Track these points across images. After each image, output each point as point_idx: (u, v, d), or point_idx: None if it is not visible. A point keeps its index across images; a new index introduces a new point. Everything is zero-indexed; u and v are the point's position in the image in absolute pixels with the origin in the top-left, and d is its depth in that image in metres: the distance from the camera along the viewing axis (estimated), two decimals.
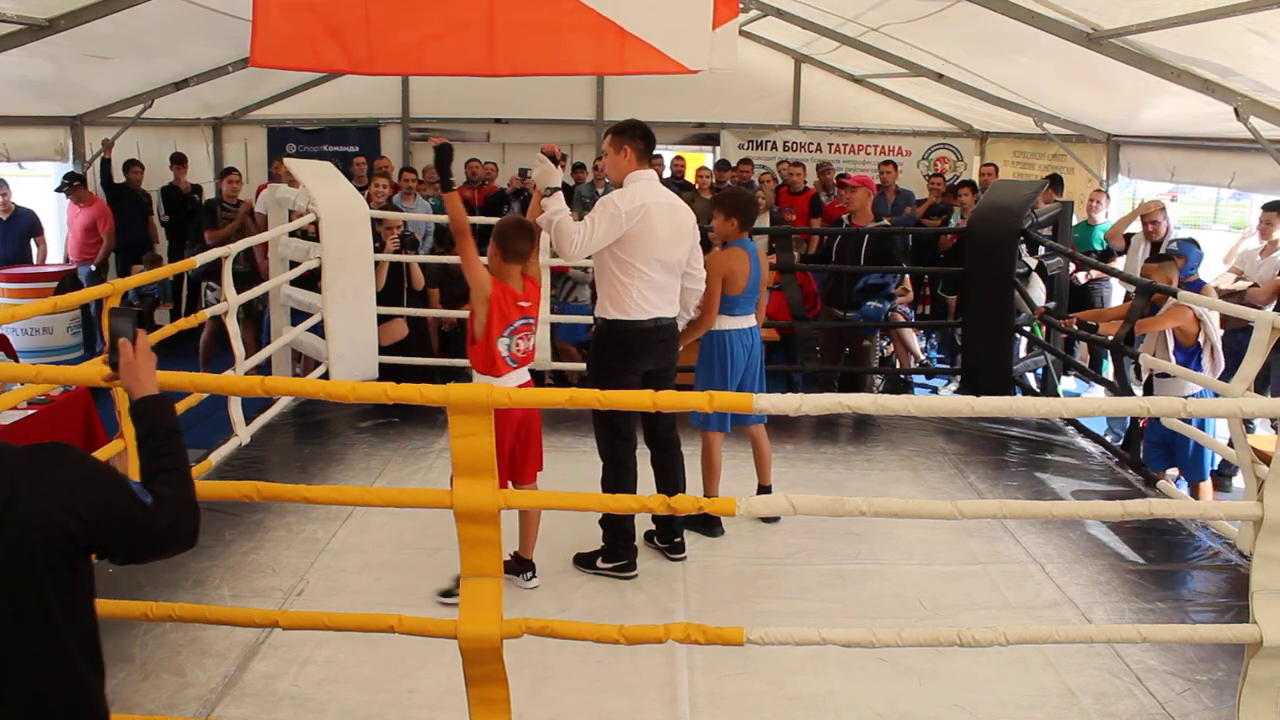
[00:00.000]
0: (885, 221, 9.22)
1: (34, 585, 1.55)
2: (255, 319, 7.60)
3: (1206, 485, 5.24)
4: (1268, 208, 6.58)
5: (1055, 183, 8.24)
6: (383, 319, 6.52)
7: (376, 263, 6.44)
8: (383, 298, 6.52)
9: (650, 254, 3.91)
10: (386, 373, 6.30)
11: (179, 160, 9.67)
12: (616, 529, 3.97)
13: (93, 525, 1.60)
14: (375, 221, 6.53)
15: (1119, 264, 7.44)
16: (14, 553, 1.52)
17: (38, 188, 9.85)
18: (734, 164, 10.56)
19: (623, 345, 3.99)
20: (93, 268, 8.88)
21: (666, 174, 10.31)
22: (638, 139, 3.96)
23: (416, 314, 6.90)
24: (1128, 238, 7.46)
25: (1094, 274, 7.93)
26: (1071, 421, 6.09)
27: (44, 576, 1.55)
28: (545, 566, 3.99)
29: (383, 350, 6.47)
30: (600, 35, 4.66)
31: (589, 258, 4.26)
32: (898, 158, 11.05)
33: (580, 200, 9.98)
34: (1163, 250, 6.61)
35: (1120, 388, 5.51)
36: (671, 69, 4.76)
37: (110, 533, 1.65)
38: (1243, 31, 4.94)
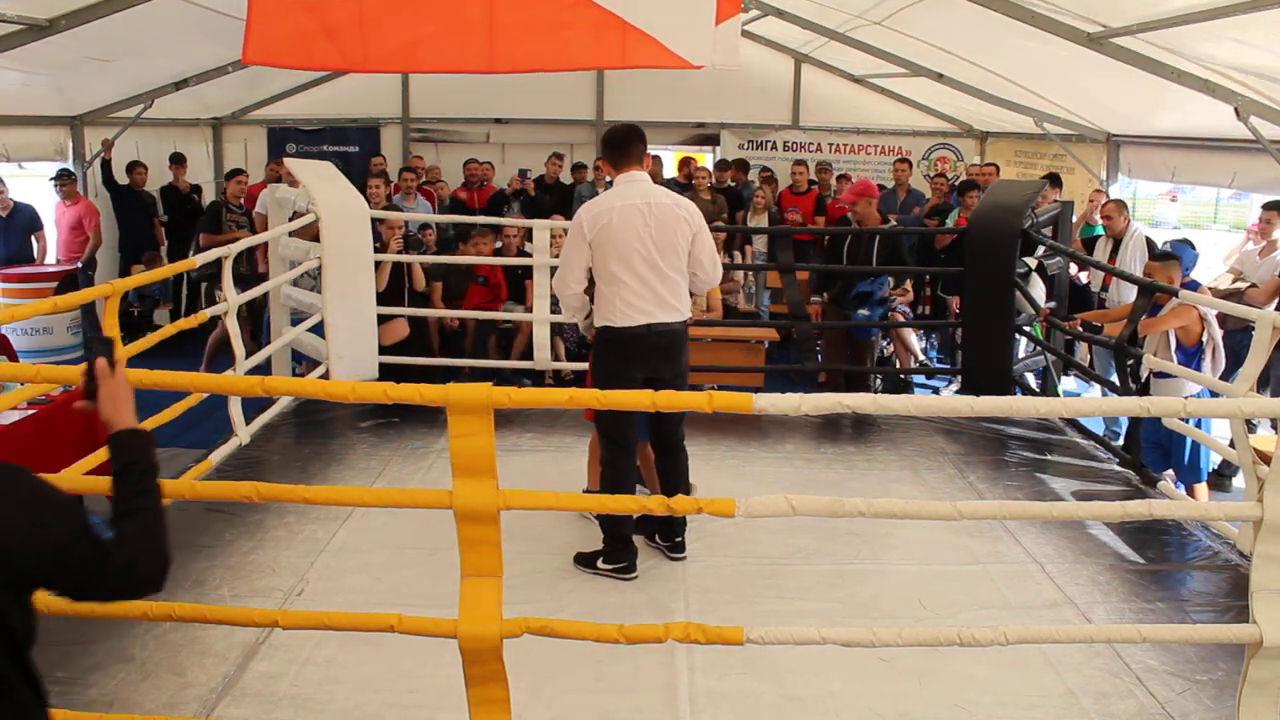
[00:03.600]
0: (891, 219, 9.26)
1: None
2: (255, 316, 7.60)
3: (1202, 487, 5.24)
4: (1268, 206, 6.58)
5: (1053, 181, 8.25)
6: (384, 319, 6.52)
7: (378, 263, 6.44)
8: (384, 298, 6.53)
9: (624, 258, 3.84)
10: (387, 372, 6.30)
11: (178, 160, 9.67)
12: (614, 531, 3.96)
13: (17, 555, 1.49)
14: (377, 221, 6.53)
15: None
16: None
17: (38, 188, 9.85)
18: (732, 164, 10.57)
19: (614, 351, 3.96)
20: (79, 265, 8.87)
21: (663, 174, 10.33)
22: (605, 148, 4.07)
23: (418, 314, 6.90)
24: (1089, 244, 7.57)
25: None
26: (1071, 421, 6.08)
27: None
28: (545, 566, 4.00)
29: (384, 350, 6.47)
30: (602, 29, 4.64)
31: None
32: (897, 158, 11.06)
33: (580, 199, 9.98)
34: (1123, 245, 6.78)
35: (1121, 388, 5.50)
36: (674, 63, 4.74)
37: (44, 563, 1.53)
38: (1242, 30, 4.94)
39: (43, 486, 1.60)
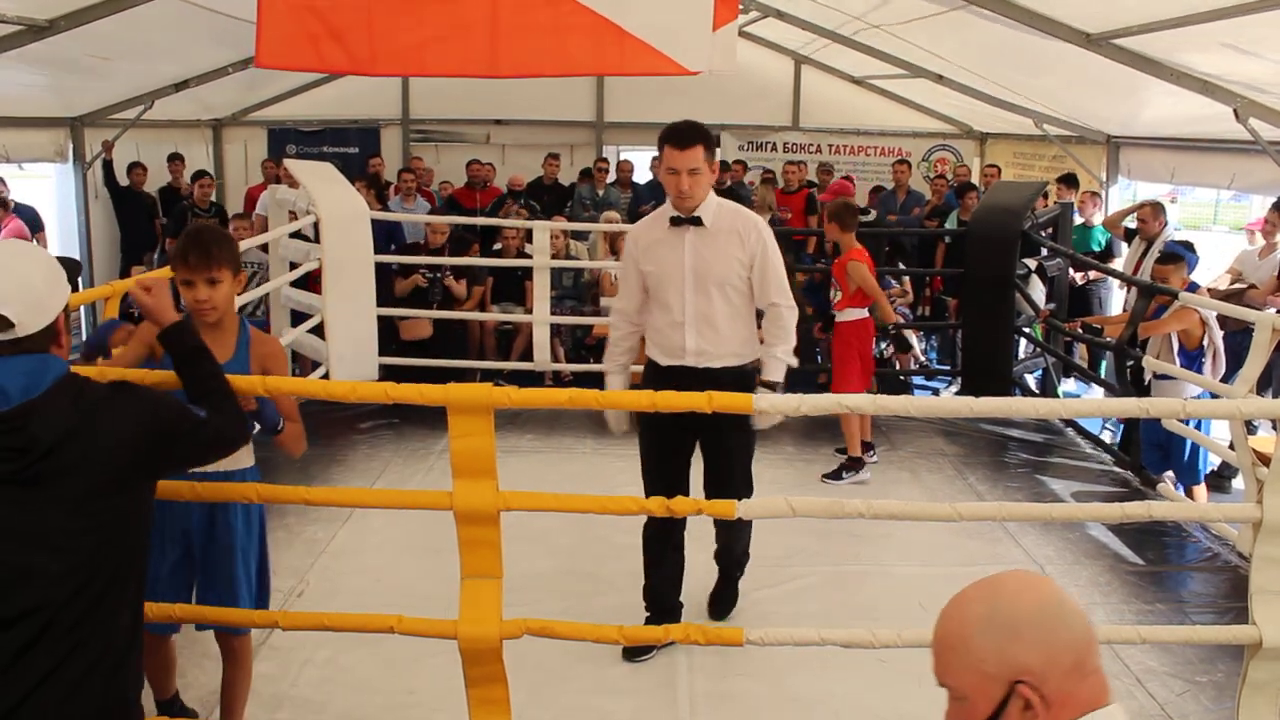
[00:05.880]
0: (891, 219, 9.28)
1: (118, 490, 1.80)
2: None
3: (1200, 489, 5.24)
4: (1276, 207, 6.51)
5: (1070, 181, 8.24)
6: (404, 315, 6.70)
7: (407, 271, 6.49)
8: (413, 296, 6.77)
9: None
10: (389, 373, 6.31)
11: (176, 160, 9.66)
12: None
13: (157, 435, 1.87)
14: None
15: (1117, 264, 7.47)
16: (77, 484, 1.73)
17: (37, 189, 9.84)
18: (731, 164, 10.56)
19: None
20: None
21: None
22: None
23: (419, 313, 6.91)
24: (1129, 234, 7.50)
25: (1092, 275, 7.96)
26: (1071, 423, 6.09)
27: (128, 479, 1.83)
28: (545, 567, 4.00)
29: (404, 346, 6.52)
30: (600, 36, 4.67)
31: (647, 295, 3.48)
32: (897, 159, 11.06)
33: (581, 201, 9.97)
34: (1154, 248, 6.73)
35: (1120, 389, 5.51)
36: (671, 70, 4.77)
37: (166, 440, 1.91)
38: (1242, 32, 4.94)
39: (152, 390, 2.06)
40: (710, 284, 3.29)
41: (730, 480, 3.37)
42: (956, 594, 1.24)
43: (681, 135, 3.22)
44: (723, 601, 3.70)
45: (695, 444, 3.40)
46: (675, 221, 3.30)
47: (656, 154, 3.37)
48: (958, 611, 1.21)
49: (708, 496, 3.35)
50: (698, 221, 3.28)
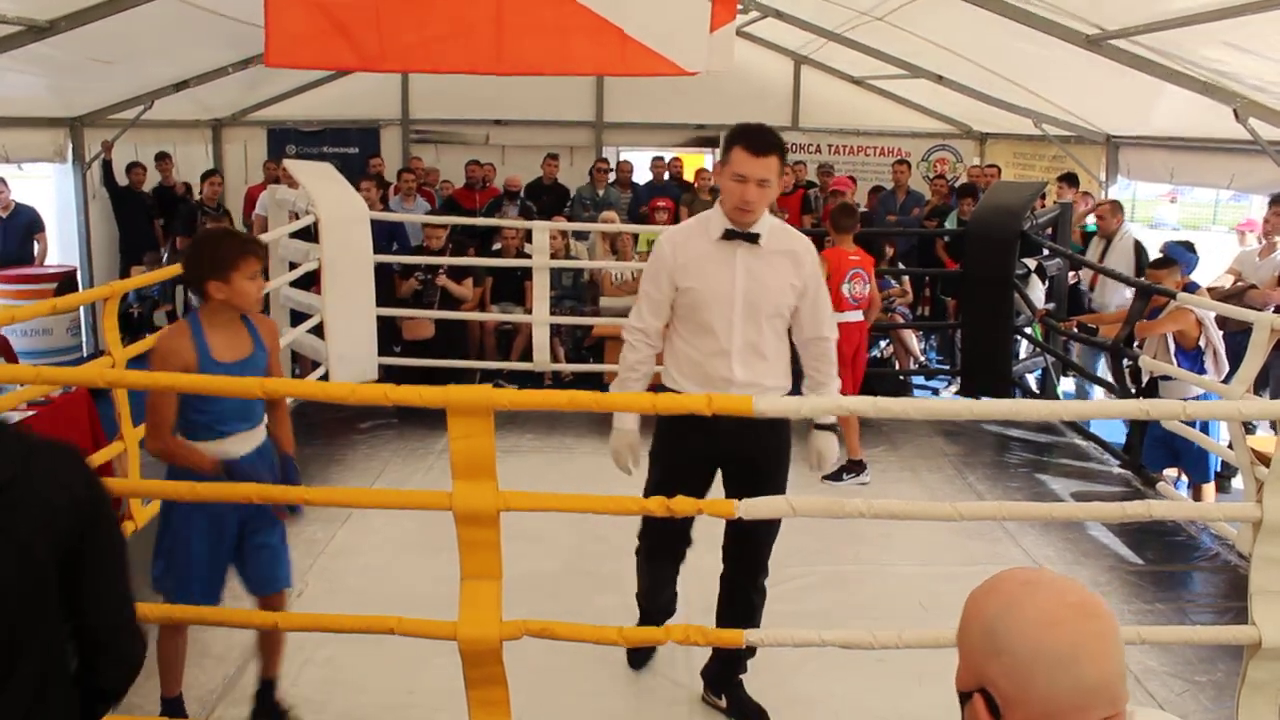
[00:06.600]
0: (890, 219, 9.29)
1: (43, 564, 1.49)
2: None
3: (1209, 487, 5.23)
4: (1276, 201, 6.49)
5: (1071, 180, 8.26)
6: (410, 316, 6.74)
7: (406, 273, 6.50)
8: (415, 295, 6.79)
9: None
10: (391, 372, 6.32)
11: (164, 158, 9.64)
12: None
13: (85, 521, 1.52)
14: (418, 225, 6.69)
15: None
16: (23, 528, 1.47)
17: (37, 189, 9.84)
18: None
19: None
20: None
21: (665, 176, 10.34)
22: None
23: (418, 314, 6.91)
24: (1086, 235, 7.59)
25: (1082, 273, 7.97)
26: (1071, 422, 6.08)
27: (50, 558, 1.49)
28: (545, 568, 4.00)
29: (407, 345, 6.52)
30: (601, 37, 4.73)
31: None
32: (897, 159, 11.06)
33: (581, 201, 9.97)
34: (1113, 245, 6.94)
35: (1118, 390, 5.50)
36: (670, 70, 4.83)
37: (96, 540, 1.54)
38: (1241, 32, 4.94)
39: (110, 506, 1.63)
40: (762, 311, 2.90)
41: (759, 537, 2.97)
42: (997, 575, 1.23)
43: (758, 140, 2.79)
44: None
45: (714, 476, 3.06)
46: (729, 235, 2.87)
47: (721, 155, 2.95)
48: (983, 596, 1.21)
49: (731, 545, 3.03)
50: (753, 239, 2.86)
